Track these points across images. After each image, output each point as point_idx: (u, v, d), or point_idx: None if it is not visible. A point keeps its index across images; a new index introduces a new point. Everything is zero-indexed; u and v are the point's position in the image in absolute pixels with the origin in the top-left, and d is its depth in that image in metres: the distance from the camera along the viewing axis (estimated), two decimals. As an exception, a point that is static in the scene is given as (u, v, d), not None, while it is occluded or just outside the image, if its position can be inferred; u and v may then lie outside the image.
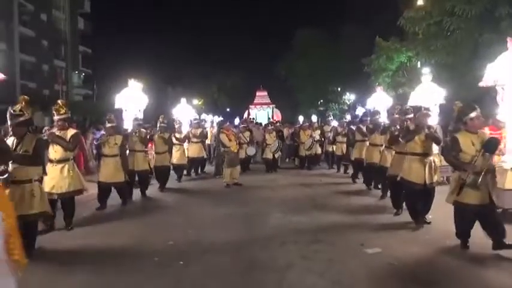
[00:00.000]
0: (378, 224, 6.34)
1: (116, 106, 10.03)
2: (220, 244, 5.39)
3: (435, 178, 6.13)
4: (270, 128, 14.34)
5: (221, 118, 20.81)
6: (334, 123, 15.03)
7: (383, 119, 9.20)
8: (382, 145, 8.37)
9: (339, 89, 36.63)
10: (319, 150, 14.46)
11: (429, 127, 6.04)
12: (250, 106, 33.86)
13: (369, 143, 8.99)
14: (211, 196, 9.13)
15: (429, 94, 9.09)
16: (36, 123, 12.99)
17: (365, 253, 4.98)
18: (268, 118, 27.74)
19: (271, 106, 34.00)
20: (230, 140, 10.24)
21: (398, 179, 6.17)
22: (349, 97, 35.70)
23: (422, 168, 5.95)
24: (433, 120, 7.82)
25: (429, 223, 6.15)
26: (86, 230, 6.25)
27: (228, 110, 46.11)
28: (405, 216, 6.70)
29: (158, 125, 10.04)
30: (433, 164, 6.07)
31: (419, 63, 19.47)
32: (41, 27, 34.91)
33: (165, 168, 9.85)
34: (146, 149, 9.14)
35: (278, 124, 17.95)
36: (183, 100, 14.09)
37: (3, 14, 30.31)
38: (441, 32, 13.30)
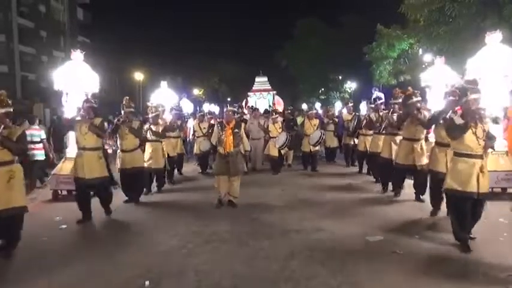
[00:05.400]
0: (381, 214, 6.32)
1: (55, 87, 7.58)
2: (223, 234, 5.41)
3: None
4: (274, 116, 10.94)
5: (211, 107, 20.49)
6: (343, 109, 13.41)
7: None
8: (419, 139, 6.64)
9: (340, 77, 36.58)
10: (335, 143, 12.16)
11: None
12: (249, 93, 31.25)
13: (403, 137, 6.83)
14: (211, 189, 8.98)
15: (498, 60, 6.43)
16: (36, 115, 12.98)
17: (367, 241, 5.00)
18: (269, 106, 26.32)
19: (271, 93, 31.00)
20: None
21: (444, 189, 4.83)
22: (350, 85, 35.66)
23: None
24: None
25: (474, 238, 4.79)
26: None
27: (229, 99, 46.09)
28: (407, 205, 6.71)
29: (123, 111, 7.02)
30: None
31: (420, 50, 19.38)
32: (39, 19, 34.74)
33: (136, 172, 7.09)
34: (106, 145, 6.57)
35: (287, 112, 14.42)
36: (164, 83, 11.09)
37: (2, 5, 30.20)
38: (443, 19, 13.15)
